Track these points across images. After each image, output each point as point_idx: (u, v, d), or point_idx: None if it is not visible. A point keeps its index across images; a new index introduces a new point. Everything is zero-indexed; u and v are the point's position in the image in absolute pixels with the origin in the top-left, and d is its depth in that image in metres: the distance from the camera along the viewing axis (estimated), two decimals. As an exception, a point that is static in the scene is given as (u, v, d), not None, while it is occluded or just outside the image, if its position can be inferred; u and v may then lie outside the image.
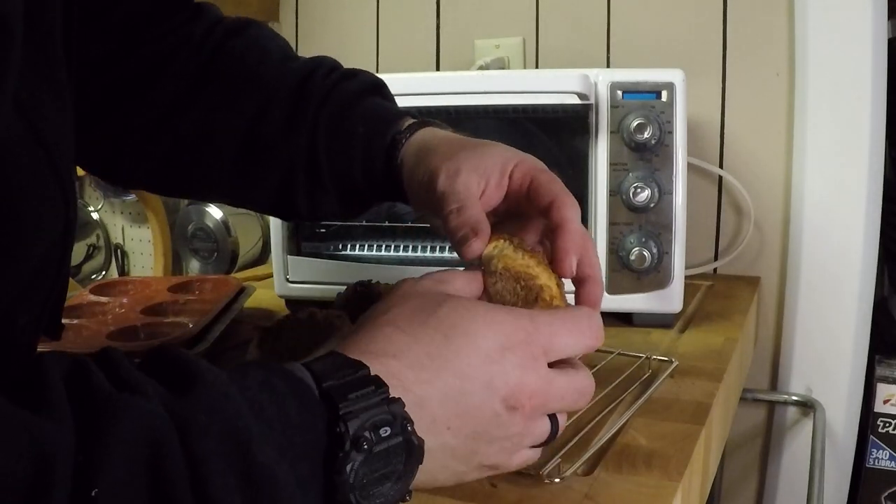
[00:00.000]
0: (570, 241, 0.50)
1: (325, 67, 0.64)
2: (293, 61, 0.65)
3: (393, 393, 0.38)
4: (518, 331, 0.43)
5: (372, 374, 0.39)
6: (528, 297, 0.49)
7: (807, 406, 1.10)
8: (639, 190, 0.84)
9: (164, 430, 0.31)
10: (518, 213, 0.55)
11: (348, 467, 0.36)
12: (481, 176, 0.52)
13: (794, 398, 1.11)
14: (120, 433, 0.30)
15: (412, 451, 0.38)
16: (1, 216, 0.39)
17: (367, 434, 0.36)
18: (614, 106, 0.85)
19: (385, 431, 0.37)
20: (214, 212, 1.41)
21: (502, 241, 0.49)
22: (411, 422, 0.38)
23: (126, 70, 0.62)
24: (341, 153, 0.61)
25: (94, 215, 1.56)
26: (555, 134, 0.91)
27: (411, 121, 0.61)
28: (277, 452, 0.34)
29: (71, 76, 0.49)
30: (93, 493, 0.28)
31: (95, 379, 0.32)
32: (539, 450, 0.46)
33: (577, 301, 0.52)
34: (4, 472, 0.26)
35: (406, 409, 0.38)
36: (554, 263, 0.50)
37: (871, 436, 1.09)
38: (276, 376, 0.37)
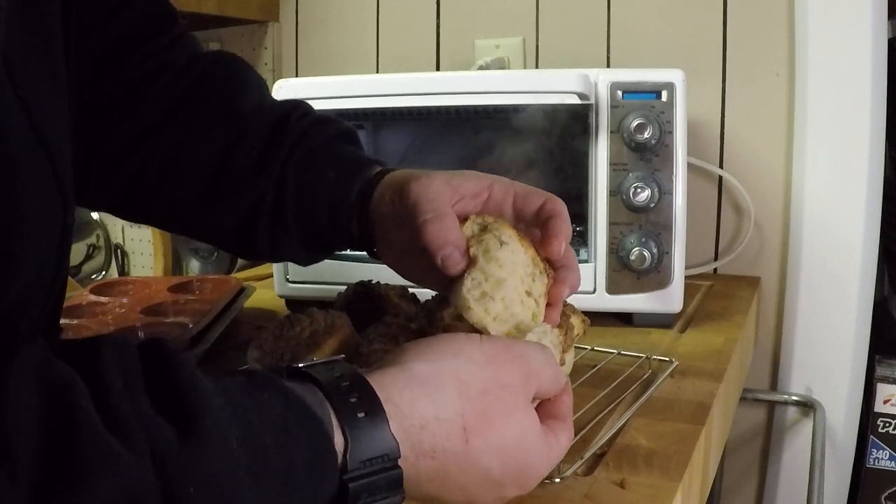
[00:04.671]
0: (564, 225, 0.52)
1: (301, 110, 0.64)
2: (270, 100, 0.65)
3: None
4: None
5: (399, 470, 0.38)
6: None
7: (807, 406, 1.10)
8: (639, 190, 0.84)
9: (148, 499, 0.29)
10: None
11: None
12: (455, 188, 0.53)
13: (794, 398, 1.11)
14: (96, 490, 0.28)
15: None
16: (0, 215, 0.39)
17: None
18: (614, 106, 0.85)
19: None
20: (214, 212, 1.41)
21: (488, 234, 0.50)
22: None
23: (104, 92, 0.61)
24: (309, 194, 0.61)
25: (94, 215, 1.56)
26: (555, 134, 0.91)
27: (379, 168, 0.61)
28: None
29: (70, 80, 0.49)
30: None
31: (81, 416, 0.29)
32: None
33: (556, 284, 0.53)
34: None
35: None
36: (543, 242, 0.52)
37: (871, 436, 1.09)
38: (291, 412, 0.35)
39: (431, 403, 0.40)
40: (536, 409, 0.45)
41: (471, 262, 0.49)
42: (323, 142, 0.63)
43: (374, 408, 0.38)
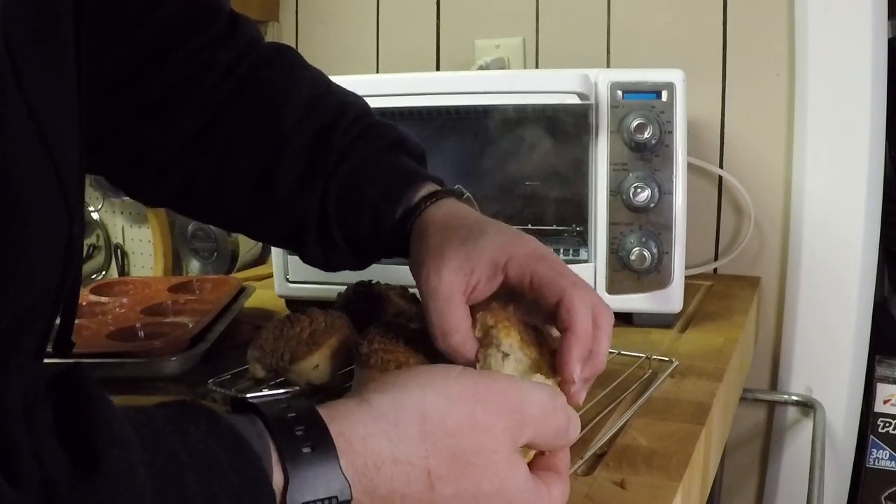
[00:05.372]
0: (577, 346, 0.47)
1: (347, 119, 0.61)
2: (320, 102, 0.61)
3: None
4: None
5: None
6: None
7: (807, 406, 1.10)
8: (639, 190, 0.84)
9: None
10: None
11: None
12: (468, 274, 0.50)
13: (794, 398, 1.11)
14: None
15: None
16: (1, 223, 0.38)
17: None
18: (614, 106, 0.85)
19: None
20: (214, 212, 1.41)
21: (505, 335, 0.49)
22: None
23: (148, 92, 0.59)
24: (352, 217, 0.59)
25: (94, 215, 1.56)
26: (555, 134, 0.91)
27: (425, 191, 0.57)
28: None
29: (81, 88, 0.48)
30: None
31: None
32: None
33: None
34: None
35: None
36: (558, 364, 0.48)
37: (871, 436, 1.09)
38: (220, 446, 0.31)
39: (388, 441, 0.35)
40: (530, 463, 0.41)
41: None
42: (366, 158, 0.59)
43: (322, 442, 0.33)
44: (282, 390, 0.35)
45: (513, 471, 0.38)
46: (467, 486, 0.36)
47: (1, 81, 0.37)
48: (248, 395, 0.35)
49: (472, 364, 0.49)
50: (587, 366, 0.48)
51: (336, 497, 0.33)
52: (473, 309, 0.51)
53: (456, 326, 0.48)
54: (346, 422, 0.35)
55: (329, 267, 0.63)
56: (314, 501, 0.32)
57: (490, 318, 0.50)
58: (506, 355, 0.49)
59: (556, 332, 0.52)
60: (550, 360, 0.49)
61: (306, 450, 0.33)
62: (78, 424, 0.28)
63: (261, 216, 0.62)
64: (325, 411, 0.35)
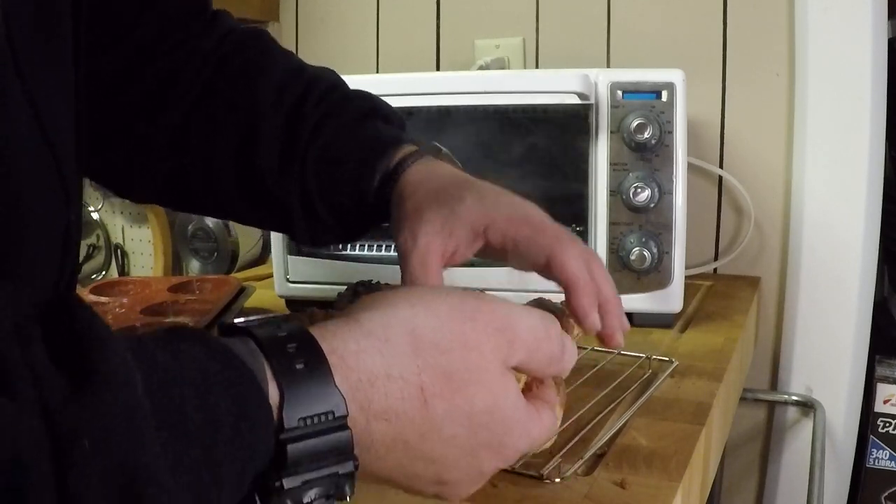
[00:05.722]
0: (584, 296, 0.47)
1: (317, 93, 0.61)
2: (292, 80, 0.61)
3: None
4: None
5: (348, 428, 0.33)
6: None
7: (807, 406, 1.10)
8: (639, 190, 0.84)
9: (34, 456, 0.24)
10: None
11: None
12: (446, 238, 0.50)
13: (794, 398, 1.11)
14: None
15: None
16: (3, 215, 0.38)
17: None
18: (614, 106, 0.85)
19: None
20: (214, 212, 1.41)
21: None
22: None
23: (137, 88, 0.60)
24: (332, 189, 0.59)
25: (94, 215, 1.56)
26: (555, 134, 0.91)
27: (402, 153, 0.57)
28: (187, 487, 0.27)
29: (79, 84, 0.48)
30: None
31: None
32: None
33: (603, 327, 0.50)
34: None
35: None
36: (576, 321, 0.48)
37: (871, 436, 1.09)
38: (214, 361, 0.30)
39: (380, 357, 0.35)
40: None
41: None
42: (339, 128, 0.59)
43: (315, 358, 0.33)
44: (271, 314, 0.34)
45: (505, 389, 0.38)
46: (460, 404, 0.36)
47: (4, 75, 0.38)
48: (235, 320, 0.34)
49: None
50: (607, 313, 0.48)
51: (332, 412, 0.32)
52: None
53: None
54: (337, 339, 0.35)
55: (318, 242, 0.63)
56: (311, 417, 0.32)
57: None
58: None
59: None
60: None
61: (299, 366, 0.32)
62: (69, 341, 0.27)
63: (248, 200, 0.62)
64: (314, 331, 0.35)
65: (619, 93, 0.85)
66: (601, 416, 0.61)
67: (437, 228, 0.50)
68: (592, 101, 0.85)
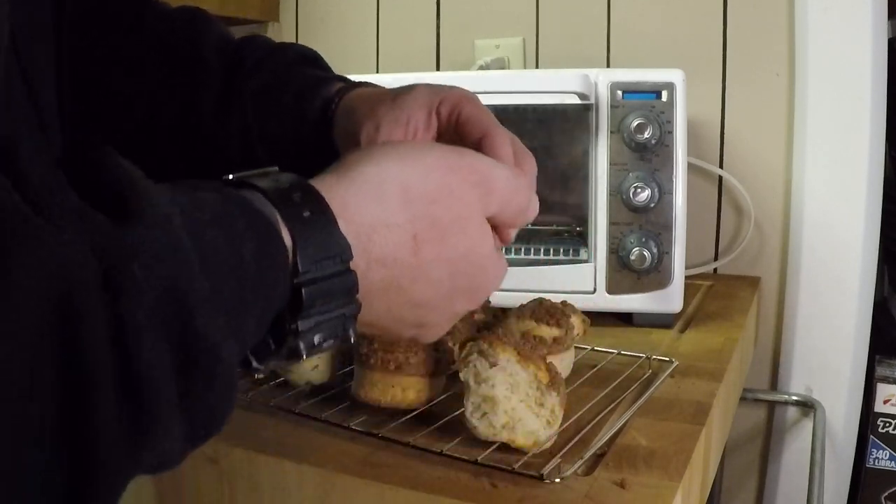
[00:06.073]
0: (502, 145, 0.48)
1: (255, 44, 0.62)
2: (228, 45, 0.63)
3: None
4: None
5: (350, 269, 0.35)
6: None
7: (807, 406, 1.10)
8: (639, 190, 0.84)
9: (83, 283, 0.24)
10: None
11: (301, 342, 0.34)
12: (405, 125, 0.51)
13: (794, 398, 1.11)
14: (21, 279, 0.23)
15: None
16: None
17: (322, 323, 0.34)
18: (614, 106, 0.85)
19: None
20: (214, 212, 1.41)
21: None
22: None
23: (97, 62, 0.60)
24: (271, 130, 0.59)
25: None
26: (555, 134, 0.91)
27: (340, 85, 0.58)
28: (225, 320, 0.28)
29: (61, 58, 0.49)
30: None
31: None
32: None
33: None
34: None
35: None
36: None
37: (871, 436, 1.09)
38: (233, 206, 0.31)
39: (377, 207, 0.37)
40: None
41: (465, 386, 0.52)
42: (276, 70, 0.60)
43: (319, 206, 0.35)
44: (266, 168, 0.37)
45: (484, 237, 0.41)
46: (446, 250, 0.39)
47: (5, 52, 0.39)
48: (230, 176, 0.35)
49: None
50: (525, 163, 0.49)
51: (340, 255, 0.34)
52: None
53: None
54: (334, 191, 0.36)
55: None
56: (321, 261, 0.33)
57: (484, 343, 0.52)
58: (493, 364, 0.51)
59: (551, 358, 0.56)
60: (548, 378, 0.52)
61: (307, 214, 0.34)
62: (103, 182, 0.28)
63: (197, 152, 0.61)
64: (313, 182, 0.36)
65: (619, 93, 0.85)
66: (601, 416, 0.61)
67: (395, 116, 0.51)
68: (592, 101, 0.85)
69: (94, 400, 0.24)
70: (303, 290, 0.33)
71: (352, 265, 0.35)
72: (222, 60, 0.61)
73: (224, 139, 0.60)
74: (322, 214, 0.34)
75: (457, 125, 0.51)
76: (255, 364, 0.34)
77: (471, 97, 0.52)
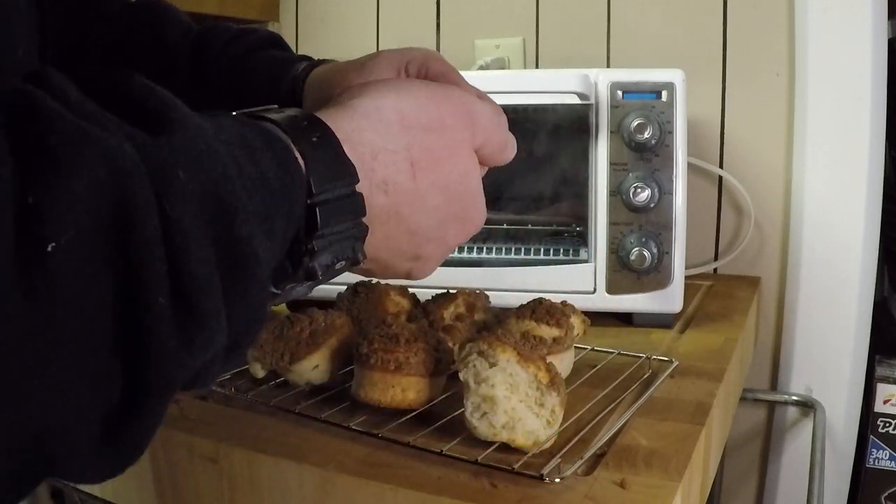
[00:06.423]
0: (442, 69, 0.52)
1: (220, 29, 0.64)
2: (192, 32, 0.65)
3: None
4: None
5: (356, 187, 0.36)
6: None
7: (807, 406, 1.10)
8: (639, 190, 0.84)
9: (136, 181, 0.25)
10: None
11: (316, 261, 0.35)
12: None
13: (794, 398, 1.11)
14: (80, 175, 0.23)
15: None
16: None
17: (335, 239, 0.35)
18: (614, 106, 0.85)
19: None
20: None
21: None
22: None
23: (67, 47, 0.62)
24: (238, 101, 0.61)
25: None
26: (555, 134, 0.91)
27: (305, 63, 0.60)
28: (258, 223, 0.30)
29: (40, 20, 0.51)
30: (49, 248, 0.22)
31: (45, 111, 0.24)
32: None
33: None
34: None
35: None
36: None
37: (871, 436, 1.09)
38: (249, 129, 0.33)
39: (377, 134, 0.39)
40: None
41: (464, 387, 0.52)
42: (248, 47, 0.62)
43: (325, 133, 0.36)
44: (268, 106, 0.39)
45: (474, 164, 0.43)
46: (440, 176, 0.41)
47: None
48: (238, 111, 0.37)
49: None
50: None
51: (348, 178, 0.36)
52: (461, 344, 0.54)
53: None
54: (337, 120, 0.38)
55: None
56: (332, 183, 0.35)
57: (484, 344, 0.52)
58: (493, 364, 0.51)
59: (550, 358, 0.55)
60: (548, 381, 0.52)
61: (315, 139, 0.35)
62: (134, 97, 0.29)
63: None
64: (316, 114, 0.38)
65: (619, 93, 0.85)
66: (601, 416, 0.61)
67: (365, 80, 0.52)
68: (592, 101, 0.85)
69: (148, 300, 0.25)
70: (317, 209, 0.34)
71: (357, 188, 0.36)
72: (187, 47, 0.63)
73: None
74: (329, 139, 0.36)
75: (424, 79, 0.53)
76: (272, 289, 0.35)
77: (437, 55, 0.54)
